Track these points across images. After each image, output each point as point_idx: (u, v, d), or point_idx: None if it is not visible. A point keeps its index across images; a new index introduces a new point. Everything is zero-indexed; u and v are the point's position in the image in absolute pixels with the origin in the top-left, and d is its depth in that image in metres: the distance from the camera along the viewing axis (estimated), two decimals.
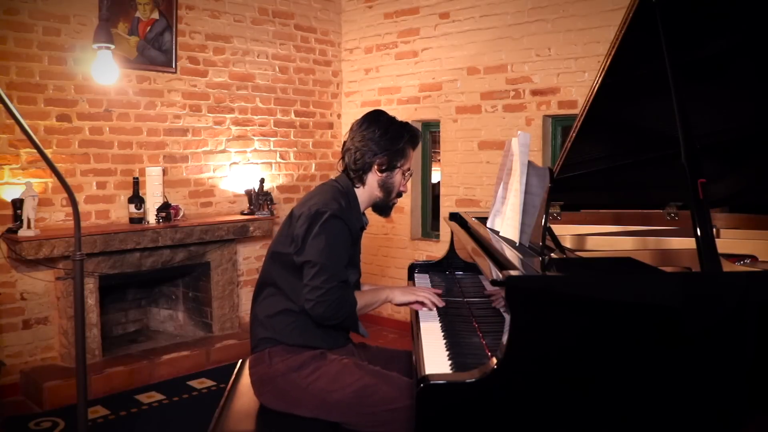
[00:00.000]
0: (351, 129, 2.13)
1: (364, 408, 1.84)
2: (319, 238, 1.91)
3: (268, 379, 1.96)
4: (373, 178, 2.09)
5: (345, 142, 2.13)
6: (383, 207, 2.15)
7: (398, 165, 2.09)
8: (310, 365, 1.93)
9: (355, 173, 2.09)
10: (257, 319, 2.04)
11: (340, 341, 2.06)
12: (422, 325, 1.92)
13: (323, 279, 1.89)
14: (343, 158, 2.13)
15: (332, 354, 1.98)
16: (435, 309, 2.04)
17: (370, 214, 2.21)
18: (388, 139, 2.06)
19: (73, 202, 2.21)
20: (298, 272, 1.96)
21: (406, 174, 2.13)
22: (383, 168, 2.08)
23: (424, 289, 2.12)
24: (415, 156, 4.84)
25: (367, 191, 2.11)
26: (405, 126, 2.12)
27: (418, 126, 4.84)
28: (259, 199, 4.55)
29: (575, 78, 3.92)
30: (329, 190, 2.05)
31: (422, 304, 2.06)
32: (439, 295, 2.11)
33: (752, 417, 1.47)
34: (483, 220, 2.39)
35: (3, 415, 3.25)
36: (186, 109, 4.30)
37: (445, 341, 1.76)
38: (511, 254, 1.73)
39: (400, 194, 2.15)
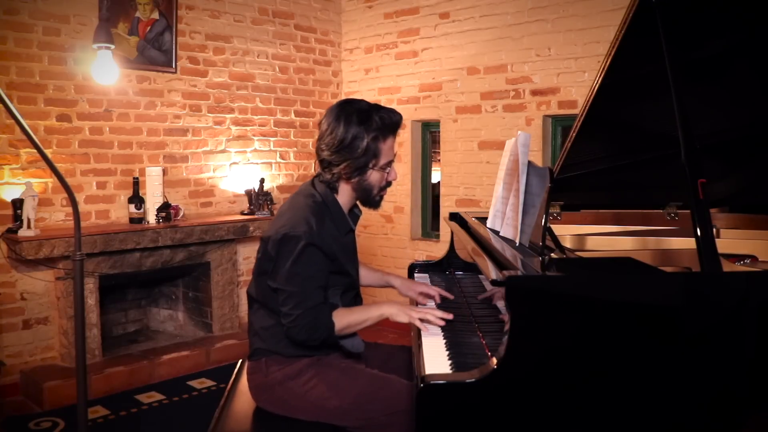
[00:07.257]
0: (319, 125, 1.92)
1: (363, 413, 1.83)
2: (286, 265, 1.82)
3: (266, 388, 1.93)
4: (345, 185, 1.94)
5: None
6: (368, 203, 2.00)
7: (370, 166, 1.89)
8: (307, 372, 1.90)
9: (323, 183, 1.94)
10: (252, 328, 2.01)
11: (336, 346, 2.00)
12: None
13: (291, 306, 1.82)
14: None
15: (329, 359, 1.94)
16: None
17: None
18: (349, 142, 1.84)
19: (73, 202, 2.21)
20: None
21: (387, 167, 1.92)
22: (350, 176, 1.90)
23: (426, 310, 1.86)
24: (415, 156, 4.89)
25: (344, 195, 1.96)
26: (369, 119, 1.85)
27: (418, 126, 4.85)
28: (259, 199, 4.55)
29: (575, 78, 3.92)
30: (302, 206, 1.89)
31: (429, 321, 1.83)
32: (443, 300, 2.07)
33: (752, 417, 1.47)
34: (483, 220, 2.39)
35: (3, 415, 3.25)
36: (186, 109, 4.30)
37: (445, 341, 1.76)
38: (511, 254, 1.73)
39: (389, 184, 1.98)
